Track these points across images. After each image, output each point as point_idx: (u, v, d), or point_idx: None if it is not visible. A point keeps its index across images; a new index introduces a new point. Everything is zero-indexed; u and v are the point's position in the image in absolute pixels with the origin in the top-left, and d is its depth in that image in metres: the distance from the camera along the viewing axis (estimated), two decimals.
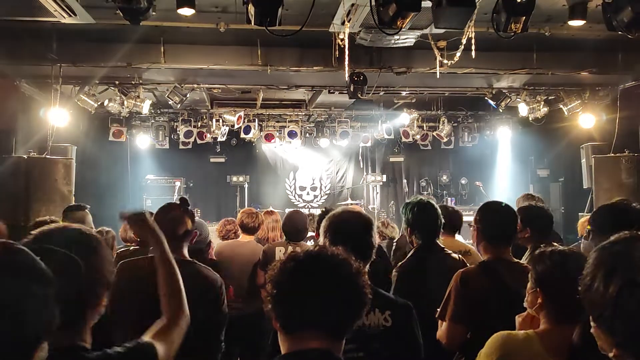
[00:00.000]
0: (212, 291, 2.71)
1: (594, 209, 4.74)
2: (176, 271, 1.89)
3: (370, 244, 2.22)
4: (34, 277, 1.09)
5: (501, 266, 2.66)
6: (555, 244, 2.75)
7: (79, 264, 1.31)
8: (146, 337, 1.64)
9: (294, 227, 4.52)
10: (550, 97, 8.43)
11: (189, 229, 2.72)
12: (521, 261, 2.90)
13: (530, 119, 8.58)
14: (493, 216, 2.83)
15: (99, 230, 3.90)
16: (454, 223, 4.05)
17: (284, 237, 4.64)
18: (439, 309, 2.68)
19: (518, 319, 2.09)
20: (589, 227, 2.82)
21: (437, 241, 3.36)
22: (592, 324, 1.17)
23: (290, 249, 4.39)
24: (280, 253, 4.40)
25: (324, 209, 4.06)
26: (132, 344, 1.57)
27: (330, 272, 1.43)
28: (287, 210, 5.88)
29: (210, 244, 4.33)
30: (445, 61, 5.79)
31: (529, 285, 2.00)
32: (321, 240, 2.25)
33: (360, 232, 2.21)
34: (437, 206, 3.43)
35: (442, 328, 2.65)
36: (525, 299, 2.01)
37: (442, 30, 5.12)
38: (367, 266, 2.11)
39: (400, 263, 3.44)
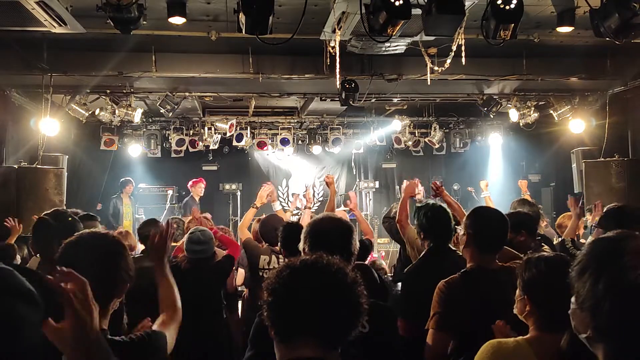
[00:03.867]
0: None
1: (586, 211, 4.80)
2: (172, 281, 2.23)
3: (351, 250, 2.22)
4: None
5: (483, 276, 2.62)
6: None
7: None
8: (155, 327, 1.99)
9: (272, 227, 4.50)
10: (540, 103, 8.50)
11: None
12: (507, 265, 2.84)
13: (521, 124, 8.63)
14: (487, 224, 2.74)
15: None
16: None
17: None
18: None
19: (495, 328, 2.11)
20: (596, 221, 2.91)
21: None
22: (572, 304, 1.22)
23: (274, 258, 4.40)
24: (264, 262, 4.40)
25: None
26: (149, 331, 1.91)
27: (326, 280, 1.42)
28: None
29: (215, 254, 4.32)
30: (435, 68, 5.83)
31: (517, 292, 2.00)
32: (301, 246, 2.25)
33: (340, 238, 2.21)
34: (449, 210, 3.46)
35: (428, 337, 2.61)
36: (515, 306, 2.01)
37: (432, 38, 5.16)
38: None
39: (409, 267, 3.44)
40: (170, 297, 2.19)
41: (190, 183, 9.57)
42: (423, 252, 3.38)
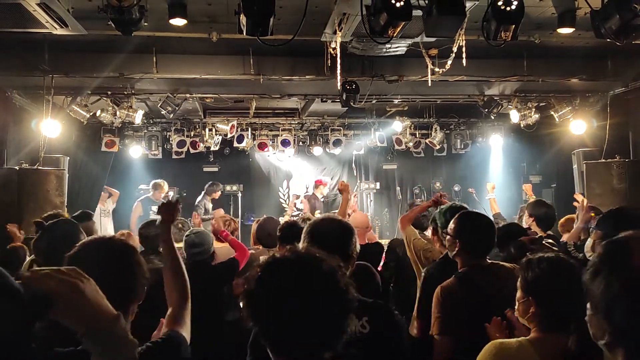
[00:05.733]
0: None
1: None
2: (182, 265, 2.21)
3: (348, 252, 2.20)
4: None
5: (477, 273, 2.67)
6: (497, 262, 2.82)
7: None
8: (168, 327, 1.92)
9: (266, 232, 4.65)
10: (541, 104, 8.49)
11: None
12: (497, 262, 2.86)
13: (521, 125, 8.63)
14: (476, 230, 2.77)
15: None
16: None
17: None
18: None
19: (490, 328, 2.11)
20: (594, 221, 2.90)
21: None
22: (588, 310, 1.21)
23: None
24: None
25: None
26: (164, 335, 1.85)
27: (315, 285, 1.36)
28: (282, 219, 5.92)
29: (214, 254, 4.30)
30: (436, 69, 5.83)
31: (518, 294, 2.00)
32: (301, 246, 2.24)
33: (338, 239, 2.20)
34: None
35: (434, 342, 2.61)
36: (516, 308, 2.01)
37: (433, 39, 5.16)
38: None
39: (429, 266, 3.32)
40: (177, 269, 2.17)
41: (313, 184, 10.51)
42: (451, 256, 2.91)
